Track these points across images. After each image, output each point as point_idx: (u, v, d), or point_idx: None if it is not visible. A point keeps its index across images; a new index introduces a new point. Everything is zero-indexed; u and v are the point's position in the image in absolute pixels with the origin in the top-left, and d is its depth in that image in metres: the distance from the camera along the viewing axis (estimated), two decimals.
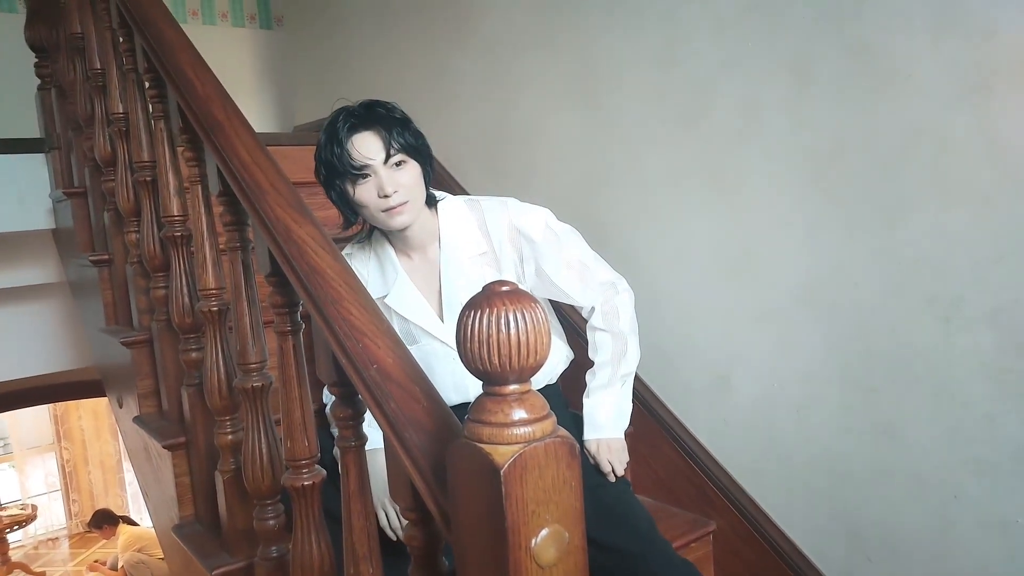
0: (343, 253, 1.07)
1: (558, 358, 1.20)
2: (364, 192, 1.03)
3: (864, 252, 1.15)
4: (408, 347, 0.89)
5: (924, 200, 1.08)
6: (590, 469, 1.14)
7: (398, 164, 1.03)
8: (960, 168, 1.04)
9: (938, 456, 1.11)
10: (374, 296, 1.04)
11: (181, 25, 1.07)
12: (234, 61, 2.73)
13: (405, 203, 1.03)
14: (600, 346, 1.17)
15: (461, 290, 1.08)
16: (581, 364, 1.22)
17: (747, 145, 1.28)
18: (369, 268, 1.15)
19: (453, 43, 1.85)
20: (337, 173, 1.03)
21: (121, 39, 1.18)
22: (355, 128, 1.01)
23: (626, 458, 1.15)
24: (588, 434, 1.16)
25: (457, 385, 1.10)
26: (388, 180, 1.01)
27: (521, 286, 1.16)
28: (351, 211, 1.08)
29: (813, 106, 1.19)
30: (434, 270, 1.11)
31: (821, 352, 1.23)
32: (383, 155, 1.01)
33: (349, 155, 1.01)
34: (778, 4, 1.21)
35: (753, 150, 1.27)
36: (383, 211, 1.03)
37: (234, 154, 0.87)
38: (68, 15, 1.43)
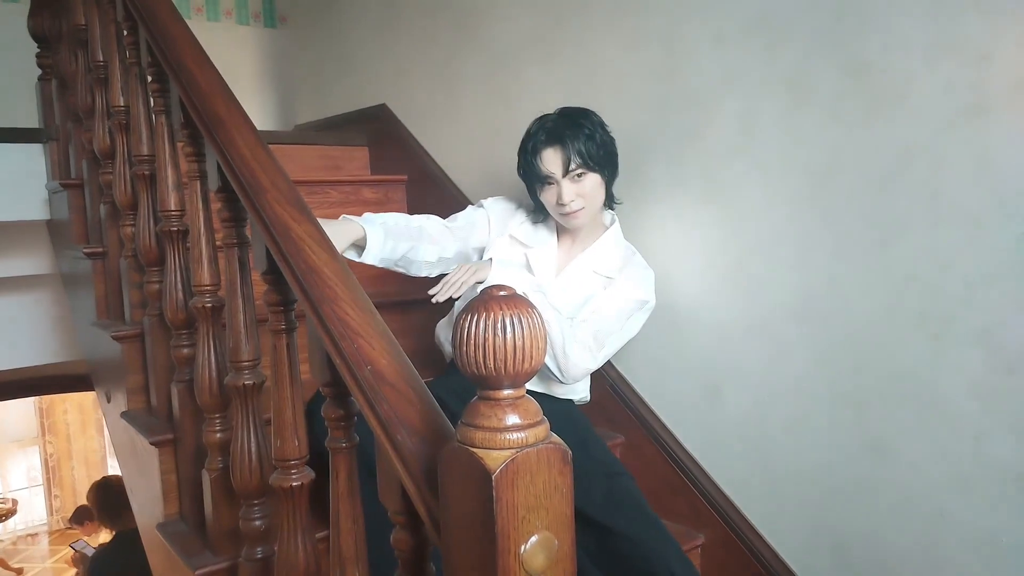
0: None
1: (580, 390, 1.34)
2: (547, 195, 1.24)
3: (856, 269, 1.17)
4: (519, 277, 1.17)
5: (917, 219, 1.09)
6: (610, 458, 1.18)
7: (579, 175, 1.20)
8: (953, 188, 1.06)
9: (925, 473, 1.11)
10: (506, 233, 1.29)
11: (185, 21, 1.08)
12: (237, 59, 2.73)
13: (580, 210, 1.22)
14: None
15: (575, 286, 1.28)
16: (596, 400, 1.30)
17: (744, 159, 1.29)
18: (529, 219, 1.34)
19: (456, 47, 1.86)
20: (529, 176, 1.25)
21: (125, 32, 1.18)
22: (544, 143, 1.20)
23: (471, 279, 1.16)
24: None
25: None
26: (567, 191, 1.20)
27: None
28: (538, 203, 1.29)
29: (810, 123, 1.20)
30: (569, 257, 1.31)
31: (812, 366, 1.23)
32: (562, 170, 1.20)
33: (537, 166, 1.21)
34: (778, 22, 1.23)
35: (750, 164, 1.29)
36: (560, 214, 1.24)
37: (235, 150, 0.87)
38: (72, 6, 1.43)
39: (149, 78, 1.11)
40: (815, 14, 1.18)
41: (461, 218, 1.34)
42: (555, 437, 0.51)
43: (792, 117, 1.22)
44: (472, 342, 0.47)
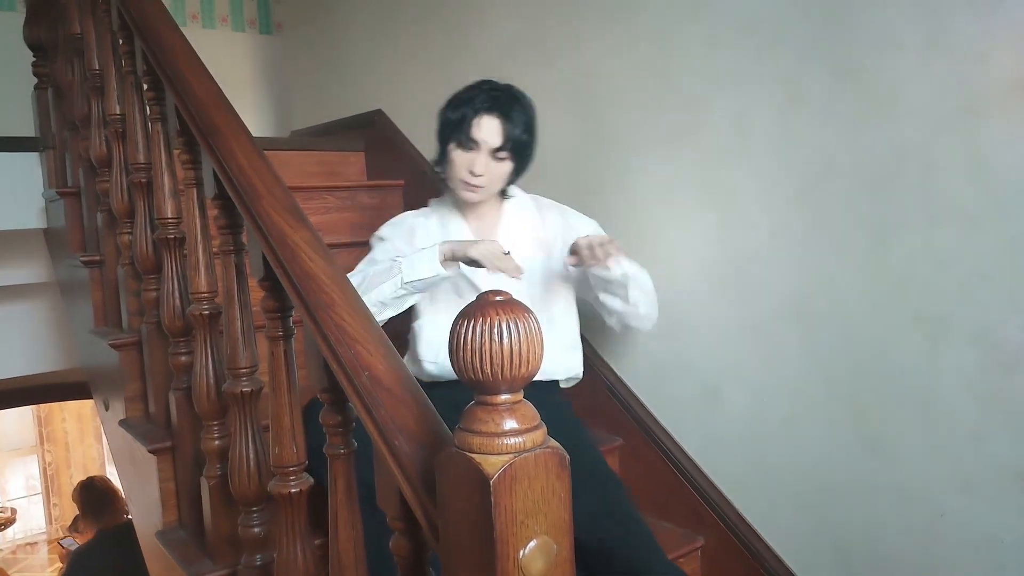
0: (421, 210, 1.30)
1: (573, 366, 1.28)
2: (459, 158, 1.17)
3: (851, 270, 1.17)
4: (454, 301, 1.11)
5: (911, 219, 1.10)
6: (602, 466, 1.17)
7: (501, 157, 1.16)
8: (947, 188, 1.06)
9: (924, 473, 1.11)
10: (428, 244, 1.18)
11: (181, 28, 1.08)
12: (233, 65, 2.74)
13: (481, 188, 1.17)
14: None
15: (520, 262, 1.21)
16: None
17: (738, 161, 1.30)
18: (430, 220, 1.28)
19: (450, 51, 1.87)
20: (451, 129, 1.17)
21: (121, 41, 1.18)
22: (489, 108, 1.14)
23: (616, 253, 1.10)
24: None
25: None
26: (482, 164, 1.15)
27: (566, 280, 1.26)
28: (443, 156, 1.21)
29: (803, 125, 1.20)
30: (491, 237, 1.24)
31: (809, 367, 1.23)
32: (491, 143, 1.15)
33: (470, 125, 1.14)
34: (771, 24, 1.23)
35: (744, 166, 1.29)
36: (462, 180, 1.17)
37: (231, 158, 0.88)
38: (68, 16, 1.43)
39: (145, 86, 1.11)
40: (808, 15, 1.18)
41: (380, 260, 1.24)
42: (552, 441, 0.51)
43: (786, 118, 1.22)
44: (468, 347, 0.48)
